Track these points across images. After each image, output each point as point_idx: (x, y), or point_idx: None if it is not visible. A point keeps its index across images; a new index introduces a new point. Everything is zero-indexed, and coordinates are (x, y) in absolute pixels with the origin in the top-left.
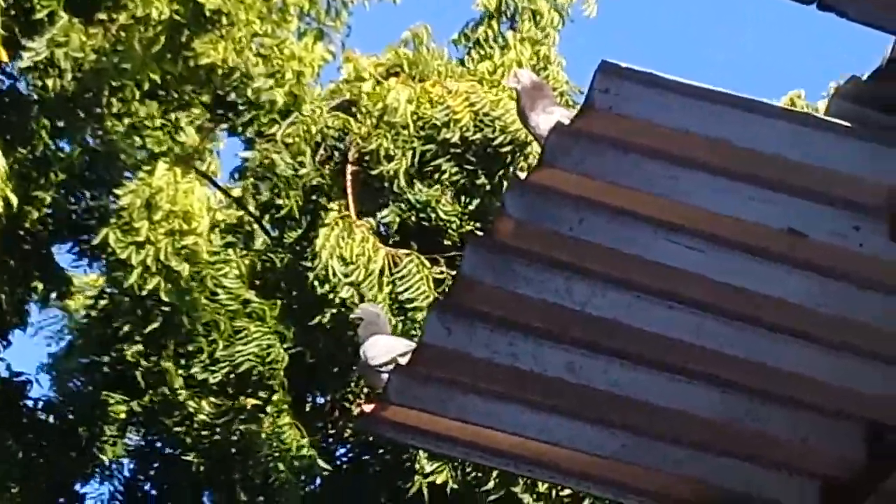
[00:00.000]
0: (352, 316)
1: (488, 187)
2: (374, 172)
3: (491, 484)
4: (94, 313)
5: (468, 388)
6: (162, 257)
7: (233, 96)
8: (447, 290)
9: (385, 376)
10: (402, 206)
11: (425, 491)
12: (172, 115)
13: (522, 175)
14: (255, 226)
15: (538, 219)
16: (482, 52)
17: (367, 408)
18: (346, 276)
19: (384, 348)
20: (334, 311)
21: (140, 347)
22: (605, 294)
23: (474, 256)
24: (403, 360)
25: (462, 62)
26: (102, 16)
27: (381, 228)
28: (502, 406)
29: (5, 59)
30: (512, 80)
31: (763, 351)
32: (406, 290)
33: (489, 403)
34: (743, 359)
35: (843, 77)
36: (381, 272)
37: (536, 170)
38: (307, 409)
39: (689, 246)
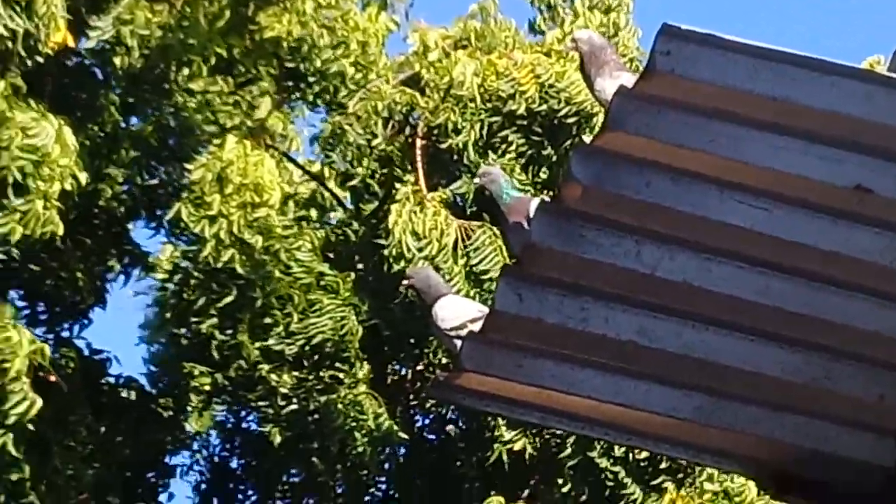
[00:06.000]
0: (405, 282)
1: (555, 158)
2: (443, 146)
3: (568, 450)
4: (170, 287)
5: (541, 354)
6: (235, 230)
7: (302, 68)
8: (517, 257)
9: (457, 341)
10: (473, 178)
11: (505, 458)
12: (243, 90)
13: (588, 140)
14: (331, 199)
15: (605, 183)
16: (550, 22)
17: (441, 376)
18: (419, 250)
19: (454, 311)
20: None
21: (215, 321)
22: (674, 257)
23: (543, 223)
24: (475, 326)
25: (532, 27)
26: None
27: (456, 200)
28: (576, 370)
29: (71, 43)
30: (572, 43)
31: (833, 309)
32: (480, 261)
33: (562, 368)
34: (813, 317)
35: None
36: (455, 245)
37: (602, 134)
38: (388, 381)
39: (755, 206)
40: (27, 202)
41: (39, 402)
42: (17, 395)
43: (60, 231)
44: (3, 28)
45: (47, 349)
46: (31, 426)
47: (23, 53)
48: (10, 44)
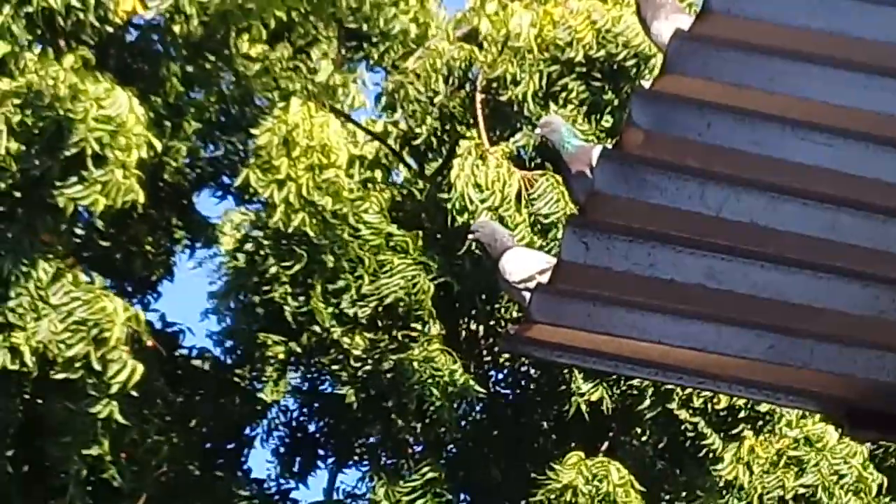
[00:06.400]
0: (469, 237)
1: (616, 103)
2: (502, 98)
3: (647, 402)
4: (240, 257)
5: (610, 302)
6: (304, 193)
7: (364, 28)
8: (581, 206)
9: (526, 293)
10: (534, 129)
11: (584, 410)
12: (302, 54)
13: (647, 85)
14: (395, 159)
15: (666, 127)
16: None
17: (512, 329)
18: (482, 202)
19: (522, 264)
20: None
21: (288, 288)
22: (739, 197)
23: (605, 169)
24: (542, 278)
25: None
26: None
27: (518, 152)
28: (645, 316)
29: (141, 10)
30: None
31: None
32: (544, 208)
33: (632, 315)
34: (882, 250)
35: None
36: (518, 196)
37: (660, 78)
38: (461, 337)
39: (818, 142)
40: (107, 172)
41: (141, 368)
42: (118, 364)
43: (141, 199)
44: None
45: (142, 315)
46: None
47: (95, 24)
48: (81, 14)
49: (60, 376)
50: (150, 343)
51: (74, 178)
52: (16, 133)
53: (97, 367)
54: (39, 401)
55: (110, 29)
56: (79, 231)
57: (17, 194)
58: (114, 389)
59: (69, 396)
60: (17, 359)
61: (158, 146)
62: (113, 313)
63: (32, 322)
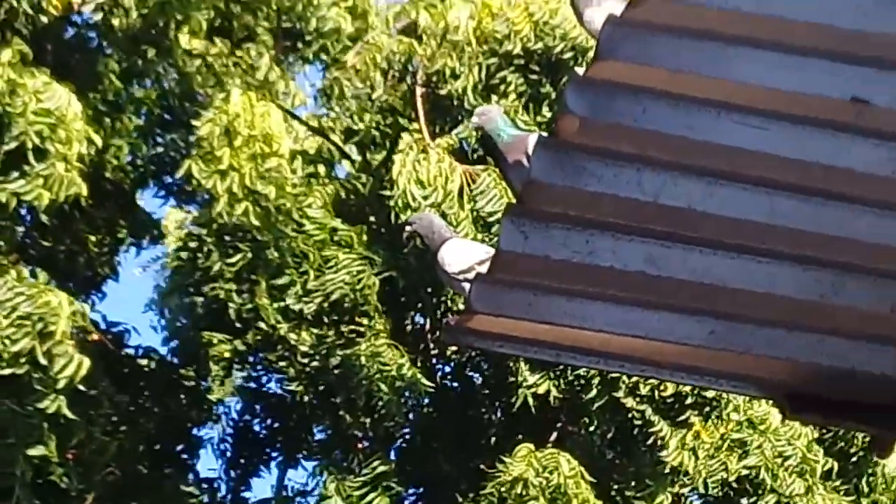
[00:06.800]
0: (406, 230)
1: (554, 95)
2: (442, 92)
3: (594, 391)
4: (183, 255)
5: (550, 290)
6: (248, 182)
7: (299, 26)
8: (518, 195)
9: (465, 284)
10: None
11: (531, 402)
12: (242, 49)
13: (581, 71)
14: (338, 154)
15: (601, 113)
16: None
17: (453, 320)
18: (424, 198)
19: (461, 255)
20: None
21: (232, 285)
22: (676, 182)
23: (542, 158)
24: (482, 268)
25: None
26: None
27: (461, 145)
28: (586, 304)
29: (76, 1)
30: None
31: (839, 224)
32: (487, 204)
33: (572, 303)
34: (820, 234)
35: None
36: (461, 191)
37: (594, 64)
38: (408, 331)
39: (754, 125)
40: (48, 166)
41: (87, 362)
42: (64, 358)
43: (84, 192)
44: None
45: (87, 309)
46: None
47: (29, 12)
48: (15, 2)
49: (6, 372)
50: (95, 337)
51: (16, 174)
52: None
53: (43, 361)
54: None
55: (45, 20)
56: (20, 229)
57: None
58: (61, 384)
59: (15, 392)
60: None
61: (98, 141)
62: (58, 307)
63: None
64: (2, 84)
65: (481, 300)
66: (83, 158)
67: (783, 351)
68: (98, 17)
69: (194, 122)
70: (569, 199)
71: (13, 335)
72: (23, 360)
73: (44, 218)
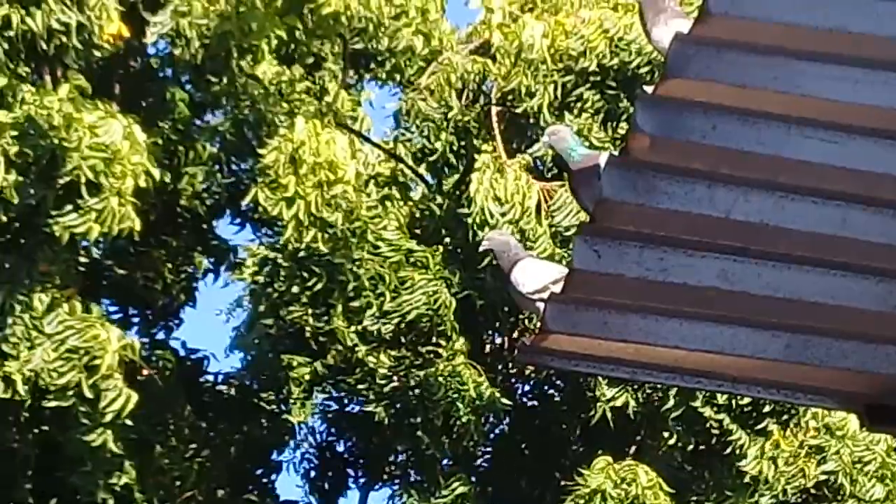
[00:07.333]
0: (481, 247)
1: (632, 111)
2: (518, 110)
3: (671, 402)
4: (261, 279)
5: (624, 308)
6: (313, 210)
7: (370, 48)
8: (590, 214)
9: (539, 304)
10: None
11: (609, 416)
12: (312, 75)
13: (650, 90)
14: (412, 175)
15: (671, 131)
16: None
17: (528, 340)
18: (502, 215)
19: (534, 275)
20: None
21: (309, 309)
22: (748, 198)
23: (613, 176)
24: (556, 288)
25: None
26: None
27: (536, 164)
28: (660, 321)
29: (126, 34)
30: None
31: None
32: (564, 219)
33: (647, 320)
34: (893, 245)
35: None
36: (538, 207)
37: (663, 82)
38: (485, 350)
39: (824, 139)
40: (101, 200)
41: (135, 397)
42: (112, 392)
43: (137, 226)
44: (56, 22)
45: (137, 343)
46: (131, 425)
47: (78, 47)
48: (63, 38)
49: (53, 404)
50: (145, 372)
51: (69, 207)
52: (13, 164)
53: (89, 394)
54: (46, 430)
55: (100, 54)
56: (89, 259)
57: (16, 225)
58: (108, 418)
59: (69, 425)
60: (10, 388)
61: (156, 174)
62: (105, 341)
63: (26, 351)
64: (58, 118)
65: (556, 320)
66: (141, 192)
67: (859, 363)
68: (162, 46)
69: (259, 151)
70: (641, 217)
71: (60, 368)
72: (70, 392)
73: (94, 251)
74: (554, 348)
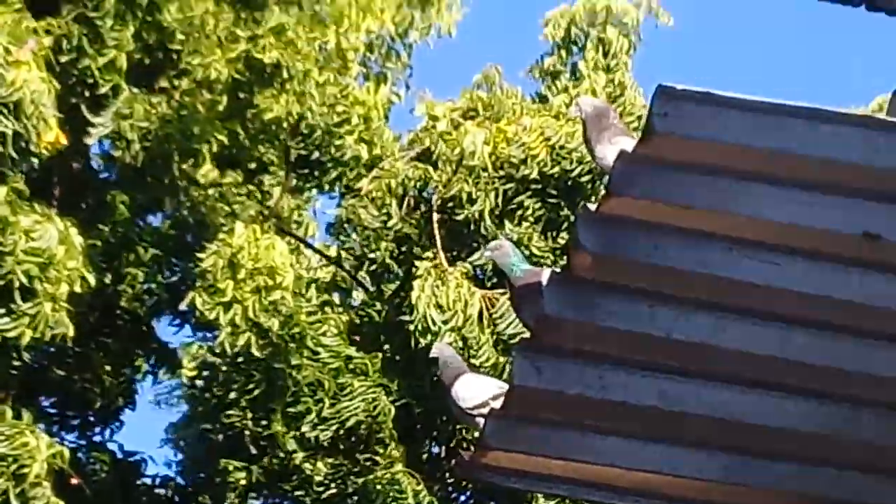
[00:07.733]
0: (432, 353)
1: (572, 219)
2: (459, 217)
3: None
4: (199, 383)
5: (564, 426)
6: (251, 314)
7: (315, 155)
8: (531, 330)
9: (479, 419)
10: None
11: None
12: (255, 180)
13: (592, 207)
14: (352, 282)
15: (613, 249)
16: (556, 85)
17: (467, 455)
18: (445, 322)
19: (475, 390)
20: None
21: (248, 413)
22: (689, 318)
23: (555, 294)
24: (496, 403)
25: (538, 98)
26: (164, 83)
27: (476, 272)
28: (599, 439)
29: (64, 141)
30: (575, 109)
31: (853, 358)
32: (508, 327)
33: (586, 438)
34: (834, 367)
35: None
36: (480, 315)
37: (606, 200)
38: (424, 459)
39: (765, 260)
40: (35, 305)
41: None
42: (41, 501)
43: (71, 332)
44: None
45: (66, 452)
46: None
47: (14, 156)
48: (0, 147)
49: None
50: (74, 480)
51: (2, 311)
52: None
53: (16, 503)
54: None
55: (35, 160)
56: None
57: None
58: None
59: None
60: None
61: (91, 280)
62: (35, 449)
63: None
64: None
65: (495, 435)
66: (75, 297)
67: (799, 485)
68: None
69: (199, 255)
70: (581, 335)
71: None
72: None
73: (25, 356)
74: (492, 464)
